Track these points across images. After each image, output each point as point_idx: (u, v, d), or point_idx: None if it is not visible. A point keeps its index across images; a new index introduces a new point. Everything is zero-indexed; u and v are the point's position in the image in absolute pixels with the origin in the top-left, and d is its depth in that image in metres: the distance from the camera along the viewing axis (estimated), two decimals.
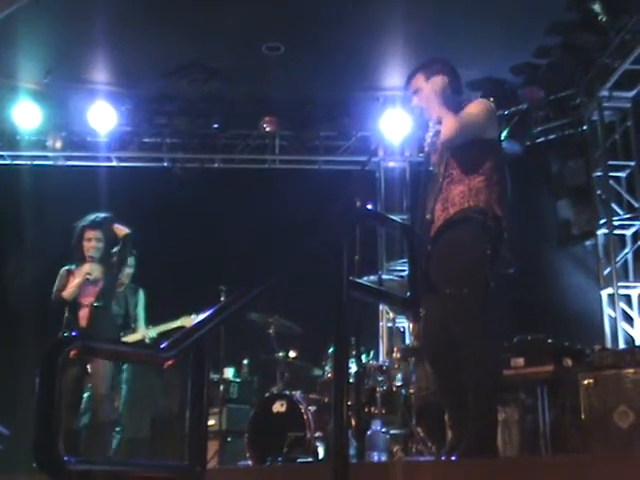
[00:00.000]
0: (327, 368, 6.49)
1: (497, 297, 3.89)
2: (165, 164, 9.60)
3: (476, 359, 3.78)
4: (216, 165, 9.67)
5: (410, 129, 8.74)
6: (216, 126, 9.39)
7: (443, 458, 3.78)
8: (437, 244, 4.00)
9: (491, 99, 4.89)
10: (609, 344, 7.61)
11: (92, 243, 6.37)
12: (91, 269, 6.35)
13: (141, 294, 7.11)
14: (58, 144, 9.27)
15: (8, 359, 7.96)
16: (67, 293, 6.28)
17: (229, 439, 6.90)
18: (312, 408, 6.23)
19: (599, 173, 8.21)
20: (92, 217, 6.44)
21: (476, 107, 4.14)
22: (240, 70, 8.47)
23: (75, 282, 6.31)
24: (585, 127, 8.45)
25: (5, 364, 8.03)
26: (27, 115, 8.89)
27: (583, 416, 5.27)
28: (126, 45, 7.96)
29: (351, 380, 4.98)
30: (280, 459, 5.81)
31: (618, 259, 7.99)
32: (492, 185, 4.00)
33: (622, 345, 7.52)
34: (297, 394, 6.33)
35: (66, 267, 6.46)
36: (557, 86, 8.30)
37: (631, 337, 7.74)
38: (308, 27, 7.69)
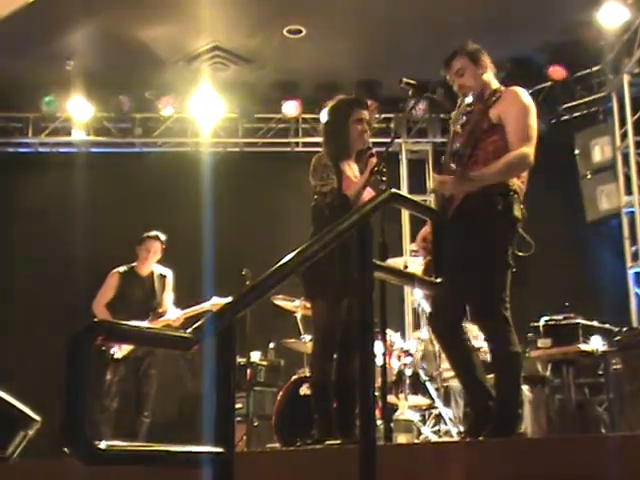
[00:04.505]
0: None
1: (515, 278, 3.89)
2: (188, 149, 9.63)
3: (497, 341, 3.78)
4: (238, 149, 9.68)
5: (433, 110, 8.70)
6: (238, 110, 9.39)
7: (468, 440, 3.77)
8: (456, 223, 3.96)
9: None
10: (636, 323, 7.56)
11: (365, 127, 4.81)
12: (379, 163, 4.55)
13: (169, 276, 7.00)
14: (83, 131, 9.32)
15: (39, 345, 8.04)
16: (352, 192, 4.58)
17: (256, 423, 6.92)
18: None
19: (625, 150, 8.12)
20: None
21: (526, 113, 4.04)
22: (261, 53, 8.46)
23: (365, 177, 4.56)
24: (611, 103, 8.36)
25: (36, 350, 8.11)
26: (51, 103, 8.95)
27: (611, 395, 5.26)
28: (147, 30, 7.97)
29: (378, 362, 4.98)
30: (308, 442, 5.82)
31: None
32: None
33: None
34: None
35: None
36: (583, 63, 8.21)
37: None
38: (329, 9, 7.65)
